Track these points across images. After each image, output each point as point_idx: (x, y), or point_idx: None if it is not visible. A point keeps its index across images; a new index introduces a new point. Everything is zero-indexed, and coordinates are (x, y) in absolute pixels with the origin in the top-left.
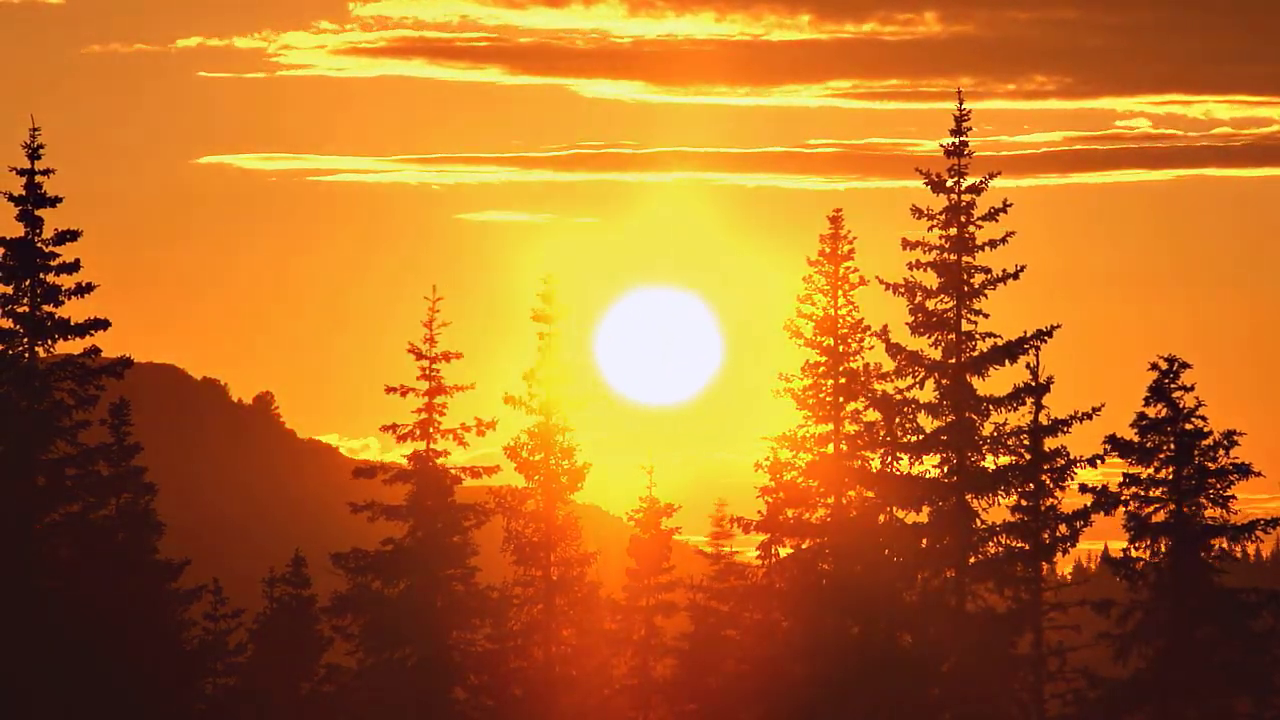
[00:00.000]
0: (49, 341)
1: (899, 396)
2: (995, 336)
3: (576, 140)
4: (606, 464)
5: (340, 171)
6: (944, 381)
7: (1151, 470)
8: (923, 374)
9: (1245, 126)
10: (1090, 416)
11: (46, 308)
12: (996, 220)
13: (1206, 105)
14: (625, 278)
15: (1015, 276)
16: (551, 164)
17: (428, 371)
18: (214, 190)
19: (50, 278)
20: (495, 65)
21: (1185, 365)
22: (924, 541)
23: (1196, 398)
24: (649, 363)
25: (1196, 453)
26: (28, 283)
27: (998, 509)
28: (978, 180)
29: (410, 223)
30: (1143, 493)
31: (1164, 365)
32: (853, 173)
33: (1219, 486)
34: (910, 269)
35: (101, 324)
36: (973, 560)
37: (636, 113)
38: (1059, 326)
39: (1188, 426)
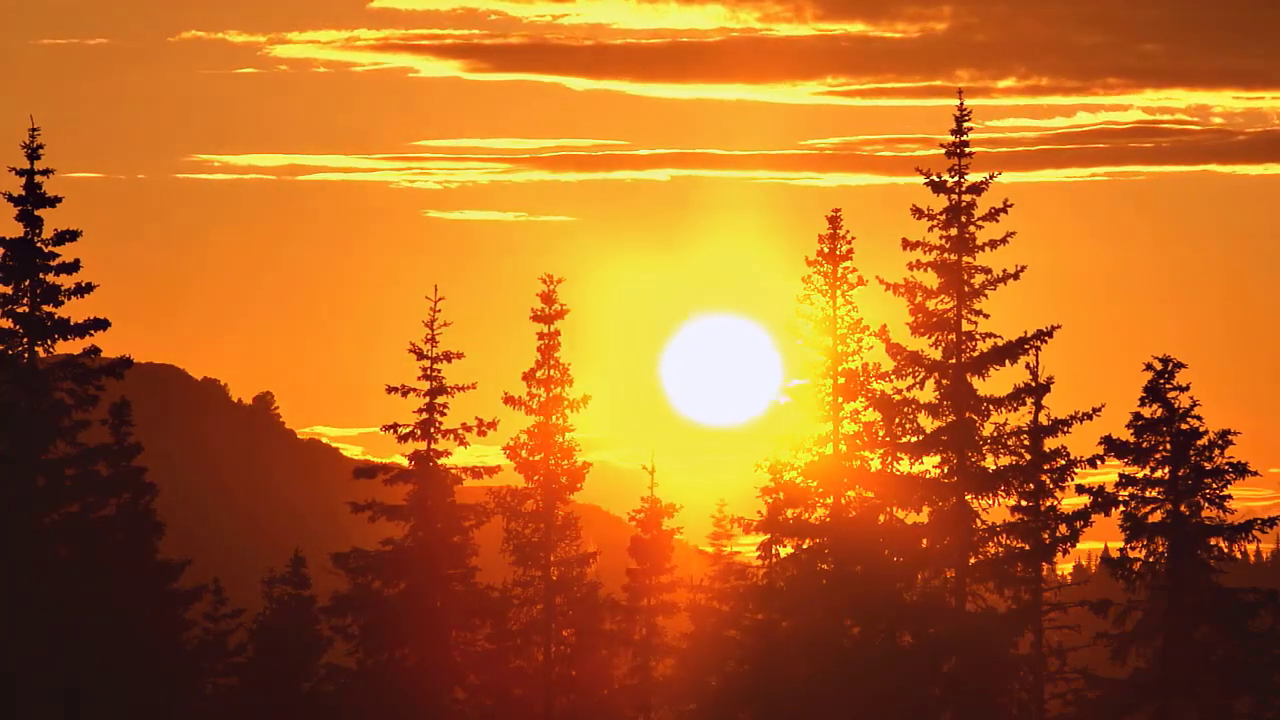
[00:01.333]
0: (49, 341)
1: (899, 396)
2: (995, 337)
3: (572, 137)
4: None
5: (341, 170)
6: (944, 381)
7: (1148, 470)
8: (923, 374)
9: (1245, 121)
10: (1090, 417)
11: (46, 308)
12: (997, 220)
13: (1204, 100)
14: (663, 288)
15: (1015, 277)
16: (548, 163)
17: (429, 371)
18: (213, 189)
19: (50, 278)
20: (491, 61)
21: (1180, 365)
22: (924, 542)
23: (1191, 397)
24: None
25: (1192, 452)
26: (27, 283)
27: (998, 509)
28: (979, 180)
29: (409, 221)
30: (1139, 493)
31: (1158, 365)
32: (851, 170)
33: (1215, 486)
34: (910, 269)
35: (101, 324)
36: (973, 560)
37: (633, 109)
38: (1059, 327)
39: (1183, 426)
